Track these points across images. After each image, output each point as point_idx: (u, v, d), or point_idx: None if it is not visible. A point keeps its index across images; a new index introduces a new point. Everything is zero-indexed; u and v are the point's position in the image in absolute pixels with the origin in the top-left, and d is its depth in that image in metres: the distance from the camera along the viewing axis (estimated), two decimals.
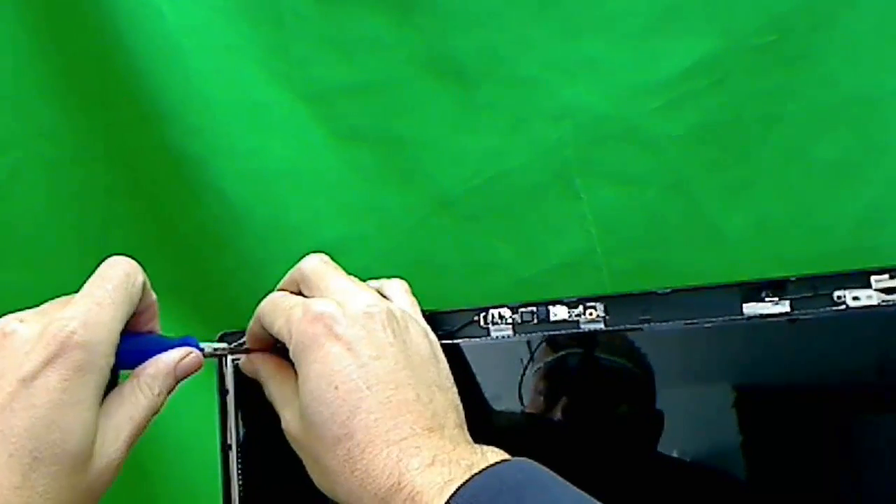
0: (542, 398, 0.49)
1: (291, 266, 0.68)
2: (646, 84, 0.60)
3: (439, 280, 0.65)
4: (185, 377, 0.46)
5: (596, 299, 0.49)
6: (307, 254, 0.67)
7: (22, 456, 0.35)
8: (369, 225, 0.66)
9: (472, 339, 0.52)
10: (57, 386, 0.37)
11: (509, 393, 0.50)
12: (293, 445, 0.44)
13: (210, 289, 0.69)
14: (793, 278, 0.47)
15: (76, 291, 0.70)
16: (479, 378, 0.51)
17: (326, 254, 0.67)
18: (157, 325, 0.48)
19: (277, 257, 0.67)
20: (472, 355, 0.52)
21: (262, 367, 0.48)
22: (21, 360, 0.37)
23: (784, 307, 0.47)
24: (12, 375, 0.37)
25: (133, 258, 0.70)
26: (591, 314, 0.49)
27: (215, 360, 0.56)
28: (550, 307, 0.50)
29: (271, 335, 0.47)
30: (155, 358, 0.44)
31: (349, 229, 0.66)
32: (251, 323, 0.50)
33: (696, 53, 0.59)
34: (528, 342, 0.50)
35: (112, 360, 0.41)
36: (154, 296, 0.47)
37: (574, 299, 0.50)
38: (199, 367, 0.46)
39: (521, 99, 0.63)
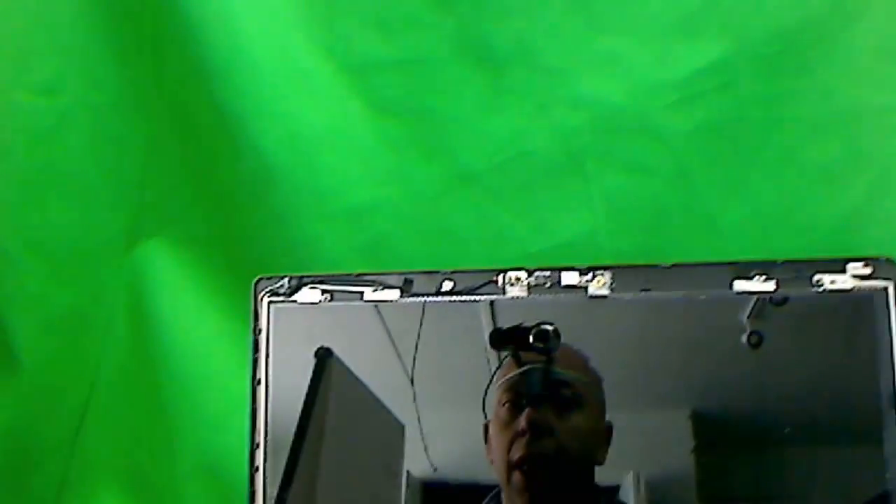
0: (504, 408, 0.53)
1: (321, 225, 0.73)
2: (661, 81, 0.66)
3: (456, 248, 0.70)
4: None
5: (605, 268, 0.55)
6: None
7: None
8: (395, 192, 0.71)
9: (490, 297, 0.57)
10: None
11: (475, 404, 0.54)
12: None
13: (241, 241, 0.73)
14: (780, 261, 0.53)
15: (110, 232, 0.75)
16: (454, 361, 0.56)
17: (352, 216, 0.72)
18: None
19: (307, 215, 0.72)
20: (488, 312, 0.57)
21: None
22: None
23: (770, 286, 0.53)
24: None
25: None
26: (599, 281, 0.55)
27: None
28: (563, 272, 0.56)
29: None
30: None
31: (376, 195, 0.71)
32: None
33: (708, 57, 0.65)
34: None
35: None
36: None
37: (585, 267, 0.55)
38: None
39: (545, 86, 0.68)
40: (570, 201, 0.69)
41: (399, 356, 0.56)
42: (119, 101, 0.73)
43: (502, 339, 0.54)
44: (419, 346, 0.55)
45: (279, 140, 0.71)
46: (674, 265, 0.54)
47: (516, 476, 0.51)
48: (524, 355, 0.53)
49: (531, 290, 0.56)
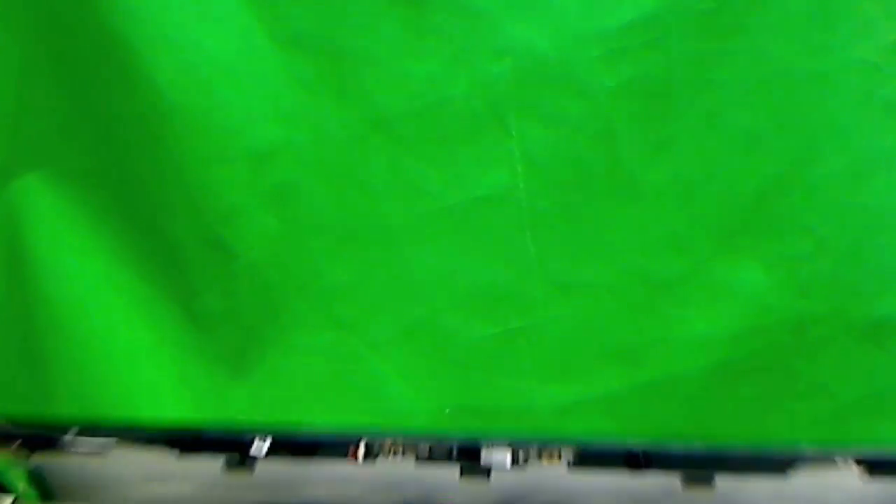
0: None
1: (220, 167, 0.67)
2: (589, 32, 0.62)
3: (365, 198, 0.66)
4: None
5: None
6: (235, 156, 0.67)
7: None
8: (302, 135, 0.66)
9: None
10: None
11: None
12: None
13: (131, 182, 0.67)
14: None
15: None
16: None
17: (256, 159, 0.66)
18: None
19: (206, 156, 0.66)
20: None
21: None
22: None
23: None
24: None
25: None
26: None
27: None
28: None
29: None
30: None
31: (281, 136, 0.66)
32: None
33: (640, 9, 0.61)
34: None
35: None
36: None
37: None
38: None
39: (467, 29, 0.63)
40: (488, 154, 0.66)
41: None
42: None
43: None
44: None
45: (174, 70, 0.64)
46: None
47: None
48: None
49: None
